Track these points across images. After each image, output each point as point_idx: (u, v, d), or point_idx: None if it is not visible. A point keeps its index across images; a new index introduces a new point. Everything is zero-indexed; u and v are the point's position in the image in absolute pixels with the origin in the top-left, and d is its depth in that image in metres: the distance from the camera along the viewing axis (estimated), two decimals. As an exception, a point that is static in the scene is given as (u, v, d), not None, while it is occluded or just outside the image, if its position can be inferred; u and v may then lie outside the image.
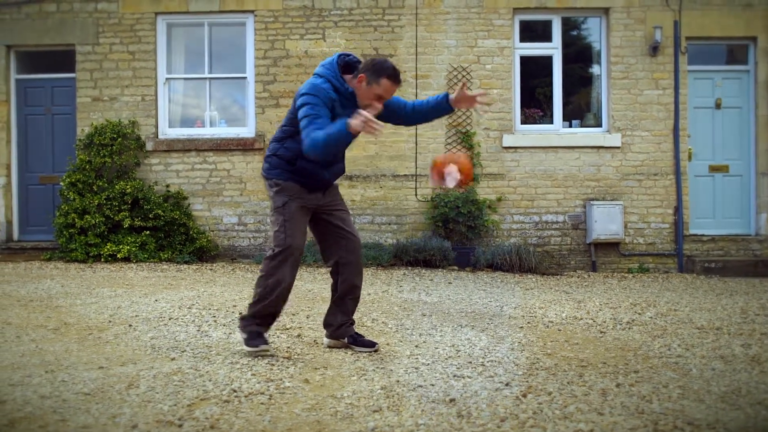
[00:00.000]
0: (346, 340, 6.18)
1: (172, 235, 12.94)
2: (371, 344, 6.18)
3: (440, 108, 6.08)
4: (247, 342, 5.78)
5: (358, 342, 6.17)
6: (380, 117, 5.70)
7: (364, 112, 5.30)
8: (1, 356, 5.63)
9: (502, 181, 13.37)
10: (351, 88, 5.72)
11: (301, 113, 5.55)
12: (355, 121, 5.25)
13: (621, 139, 13.31)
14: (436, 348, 6.23)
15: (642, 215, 13.33)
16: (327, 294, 9.40)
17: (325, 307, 8.36)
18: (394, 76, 5.67)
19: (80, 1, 13.63)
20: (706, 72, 13.72)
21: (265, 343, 5.81)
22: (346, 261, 6.08)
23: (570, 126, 13.78)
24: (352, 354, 5.92)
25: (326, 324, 6.28)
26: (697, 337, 6.90)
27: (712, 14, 13.38)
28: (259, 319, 5.82)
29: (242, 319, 5.90)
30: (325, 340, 6.29)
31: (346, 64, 5.80)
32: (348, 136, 5.40)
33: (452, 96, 5.87)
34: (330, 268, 6.25)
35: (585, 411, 4.40)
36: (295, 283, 10.39)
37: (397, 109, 6.09)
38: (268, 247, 5.70)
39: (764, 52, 13.40)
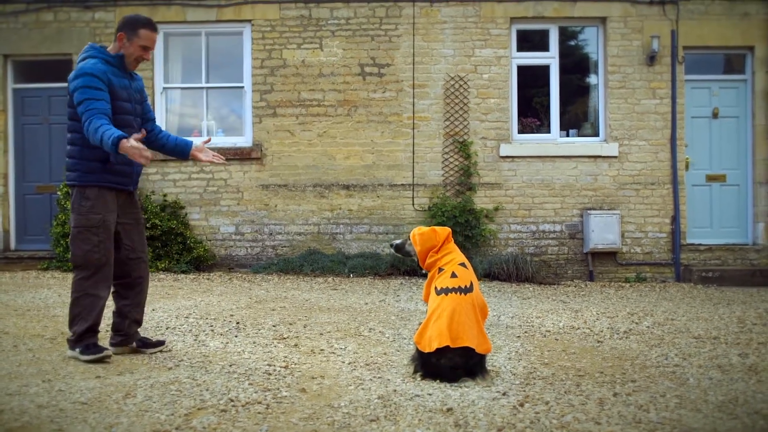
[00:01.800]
0: (135, 344, 6.23)
1: (169, 245, 12.91)
2: (159, 343, 6.34)
3: (179, 152, 6.36)
4: (86, 352, 5.76)
5: (147, 344, 6.26)
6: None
7: (134, 144, 5.34)
8: (-2, 366, 5.63)
9: (499, 191, 13.37)
10: (119, 53, 5.88)
11: (78, 97, 5.58)
12: (128, 144, 5.31)
13: (618, 148, 13.32)
14: (434, 357, 6.23)
15: (639, 225, 13.33)
16: (324, 304, 9.43)
17: (323, 316, 8.38)
18: (149, 23, 5.94)
19: (77, 11, 13.65)
20: (704, 81, 13.73)
21: (105, 348, 5.85)
22: (134, 284, 6.17)
23: (567, 135, 13.78)
24: (349, 363, 5.91)
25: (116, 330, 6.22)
26: (695, 347, 6.90)
27: (710, 24, 13.40)
28: (86, 336, 5.81)
29: (71, 341, 5.86)
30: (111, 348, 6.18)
31: (101, 47, 5.94)
32: (111, 149, 5.38)
33: (195, 147, 6.21)
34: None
35: (582, 420, 4.39)
36: (293, 293, 10.43)
37: (148, 120, 6.30)
38: (76, 266, 5.80)
39: (761, 62, 13.43)
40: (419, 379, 5.30)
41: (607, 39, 13.45)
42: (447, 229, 5.87)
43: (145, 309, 8.29)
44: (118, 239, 6.03)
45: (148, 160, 5.36)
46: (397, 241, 6.22)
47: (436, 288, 5.49)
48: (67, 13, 13.65)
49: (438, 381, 5.22)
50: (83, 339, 5.78)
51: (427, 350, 5.24)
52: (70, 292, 5.84)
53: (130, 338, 6.17)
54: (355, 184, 13.34)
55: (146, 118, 6.27)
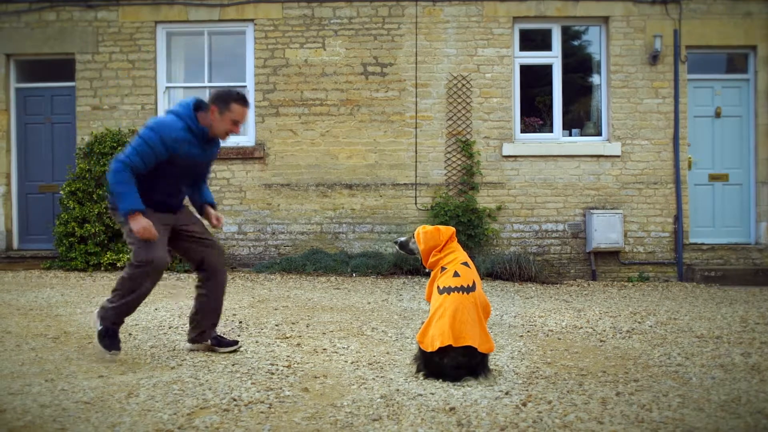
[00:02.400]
0: (209, 342, 6.36)
1: (171, 244, 12.90)
2: (233, 343, 6.42)
3: (197, 207, 6.59)
4: (105, 341, 5.91)
5: (222, 343, 6.37)
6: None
7: (146, 227, 5.71)
8: (1, 365, 5.63)
9: (501, 190, 13.37)
10: (204, 127, 5.99)
11: (136, 140, 5.76)
12: (139, 224, 5.69)
13: (621, 147, 13.31)
14: (436, 357, 6.22)
15: (642, 224, 13.32)
16: (327, 303, 9.42)
17: (326, 316, 8.38)
18: (241, 99, 6.05)
19: (80, 10, 13.66)
20: (706, 81, 13.72)
21: (118, 348, 5.95)
22: (212, 265, 6.36)
23: (570, 135, 13.78)
24: (352, 363, 5.91)
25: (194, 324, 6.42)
26: (697, 346, 6.90)
27: (712, 23, 13.40)
28: (117, 318, 5.98)
29: (103, 308, 5.98)
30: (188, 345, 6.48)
31: (199, 106, 6.06)
32: (122, 212, 5.71)
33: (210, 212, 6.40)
34: (197, 280, 6.44)
35: (585, 420, 4.39)
36: (296, 292, 10.43)
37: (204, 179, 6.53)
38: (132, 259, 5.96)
39: (764, 61, 13.40)
40: (422, 378, 5.31)
41: (609, 38, 13.44)
42: (451, 229, 5.88)
43: (151, 308, 8.31)
44: (192, 237, 6.34)
45: (149, 237, 5.75)
46: (402, 239, 6.24)
47: (438, 287, 5.49)
48: (69, 12, 13.66)
49: (441, 380, 5.22)
50: (114, 320, 5.98)
51: (429, 349, 5.25)
52: (125, 269, 5.94)
53: (206, 334, 6.35)
54: (357, 183, 13.34)
55: (204, 178, 6.49)
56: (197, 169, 6.20)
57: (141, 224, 5.67)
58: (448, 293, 5.37)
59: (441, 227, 5.88)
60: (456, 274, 5.49)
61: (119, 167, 5.67)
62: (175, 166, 5.91)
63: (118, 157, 5.70)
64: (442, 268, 5.63)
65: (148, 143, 5.71)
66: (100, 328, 5.94)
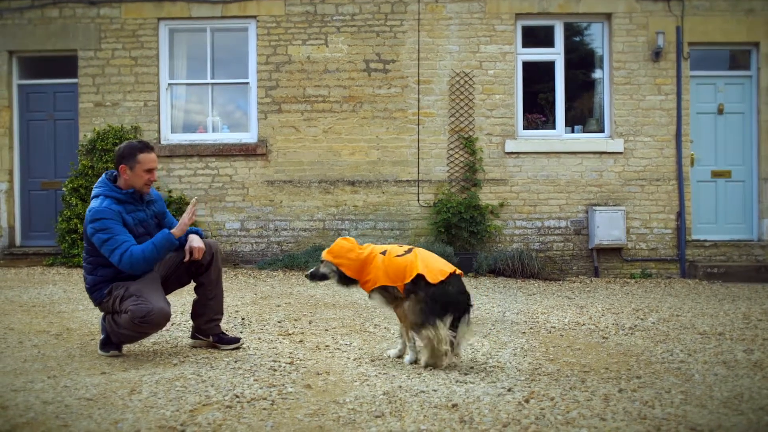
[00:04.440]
0: (212, 339, 6.37)
1: (174, 241, 12.89)
2: (235, 339, 6.40)
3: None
4: (105, 348, 6.03)
5: (224, 340, 6.36)
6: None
7: (185, 217, 5.84)
8: (4, 362, 5.63)
9: (504, 187, 13.36)
10: (130, 188, 5.94)
11: (97, 241, 5.70)
12: (178, 228, 5.85)
13: (623, 144, 13.30)
14: (439, 353, 6.22)
15: (644, 221, 13.31)
16: (329, 300, 9.43)
17: (328, 312, 8.39)
18: (143, 146, 5.99)
19: (82, 7, 13.66)
20: (709, 77, 13.71)
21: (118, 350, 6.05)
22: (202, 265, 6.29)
23: (572, 131, 13.77)
24: (354, 359, 5.91)
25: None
26: (700, 343, 6.89)
27: (715, 20, 13.38)
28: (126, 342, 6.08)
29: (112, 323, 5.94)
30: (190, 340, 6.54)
31: (114, 176, 6.03)
32: (174, 242, 5.81)
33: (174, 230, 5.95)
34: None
35: (587, 416, 4.39)
36: (298, 289, 10.44)
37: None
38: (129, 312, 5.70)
39: (767, 58, 13.39)
40: (436, 324, 5.38)
41: (612, 35, 13.43)
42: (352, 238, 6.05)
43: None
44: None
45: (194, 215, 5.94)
46: (311, 270, 6.12)
47: (397, 255, 5.72)
48: (72, 9, 13.66)
49: (449, 313, 5.41)
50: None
51: (440, 278, 5.50)
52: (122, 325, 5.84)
53: (208, 331, 6.38)
54: (360, 180, 13.34)
55: (165, 226, 6.26)
56: (150, 229, 6.08)
57: (184, 220, 5.86)
58: (409, 252, 5.72)
59: (341, 238, 6.04)
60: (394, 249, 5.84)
61: (125, 262, 5.64)
62: (132, 234, 5.84)
63: (116, 261, 5.66)
64: (383, 252, 5.82)
65: (108, 229, 5.67)
66: (103, 336, 6.04)
